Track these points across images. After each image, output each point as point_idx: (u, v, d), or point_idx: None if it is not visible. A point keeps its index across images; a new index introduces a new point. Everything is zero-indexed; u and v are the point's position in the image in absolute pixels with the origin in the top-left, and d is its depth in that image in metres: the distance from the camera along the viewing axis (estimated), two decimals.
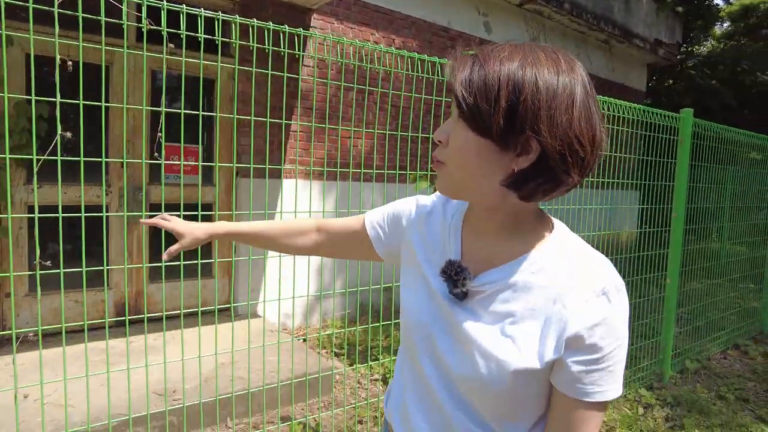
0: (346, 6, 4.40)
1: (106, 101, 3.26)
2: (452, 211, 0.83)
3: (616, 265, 0.72)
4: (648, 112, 3.23)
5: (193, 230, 1.05)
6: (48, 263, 1.87)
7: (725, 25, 15.46)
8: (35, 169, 1.38)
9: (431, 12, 4.99)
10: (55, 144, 1.39)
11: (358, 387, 3.13)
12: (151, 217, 1.10)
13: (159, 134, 1.84)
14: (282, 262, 3.23)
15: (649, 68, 8.40)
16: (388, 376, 3.22)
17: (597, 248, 0.73)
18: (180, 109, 1.84)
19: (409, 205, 0.90)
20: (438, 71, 2.46)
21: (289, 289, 3.28)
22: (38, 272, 1.66)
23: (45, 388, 2.04)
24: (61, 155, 1.42)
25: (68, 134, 1.48)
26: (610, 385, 0.68)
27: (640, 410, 2.97)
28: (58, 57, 1.49)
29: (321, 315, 4.26)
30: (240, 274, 3.92)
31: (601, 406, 0.69)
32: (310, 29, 4.19)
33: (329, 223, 1.03)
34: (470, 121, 0.65)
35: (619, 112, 3.03)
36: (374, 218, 0.94)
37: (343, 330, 3.60)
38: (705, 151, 3.84)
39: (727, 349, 4.21)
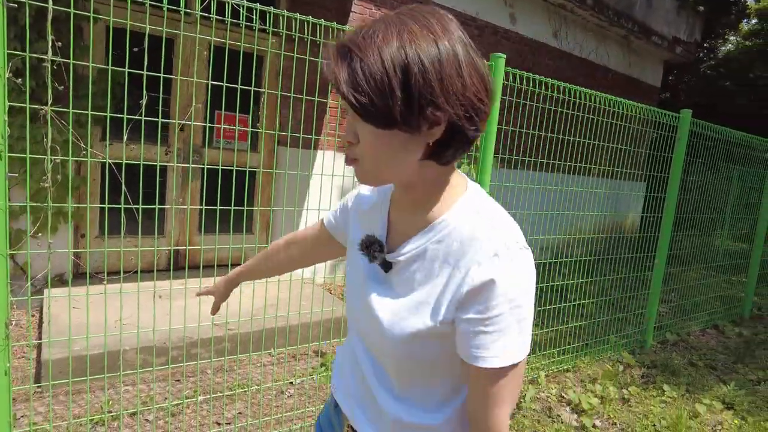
0: None
1: (173, 72, 3.72)
2: (383, 193, 0.86)
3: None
4: (651, 110, 3.63)
5: (217, 287, 1.24)
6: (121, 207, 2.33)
7: (753, 22, 15.42)
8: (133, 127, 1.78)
9: (461, 1, 5.34)
10: (140, 106, 1.81)
11: None
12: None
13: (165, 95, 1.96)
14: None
15: (666, 65, 8.66)
16: None
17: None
18: (234, 83, 2.18)
19: (352, 194, 0.94)
20: None
21: None
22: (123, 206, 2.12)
23: (122, 313, 2.55)
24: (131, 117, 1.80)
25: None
26: (501, 351, 0.66)
27: (620, 368, 3.46)
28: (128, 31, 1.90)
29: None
30: (276, 232, 4.42)
31: (499, 373, 0.67)
32: (351, 13, 4.58)
33: (296, 234, 1.10)
34: (371, 119, 0.63)
35: (626, 110, 3.43)
36: (330, 215, 1.00)
37: None
38: (702, 149, 4.23)
39: (706, 327, 4.67)
